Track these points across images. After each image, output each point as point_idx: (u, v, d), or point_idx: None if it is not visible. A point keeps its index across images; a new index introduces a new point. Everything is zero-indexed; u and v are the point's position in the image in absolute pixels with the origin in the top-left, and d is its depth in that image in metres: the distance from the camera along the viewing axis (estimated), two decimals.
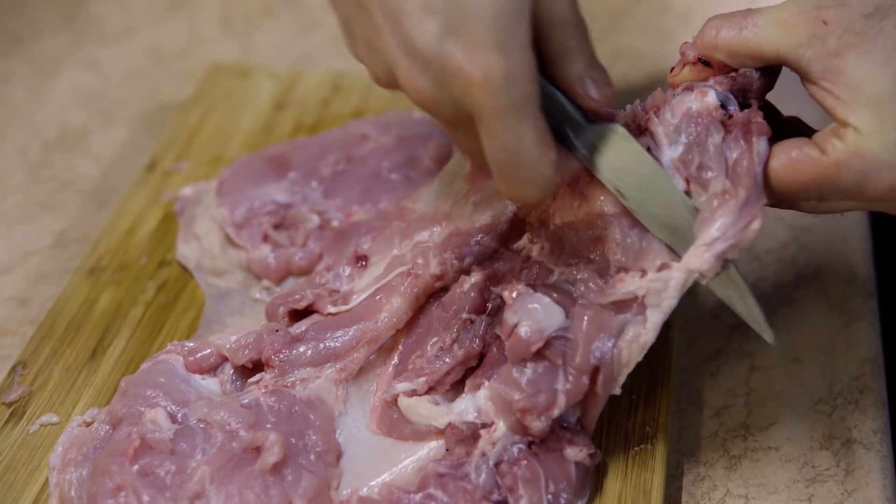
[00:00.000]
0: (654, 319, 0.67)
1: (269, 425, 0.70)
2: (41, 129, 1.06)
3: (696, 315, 0.84)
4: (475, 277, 0.73)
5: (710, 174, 0.66)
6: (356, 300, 0.76)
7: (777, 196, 0.66)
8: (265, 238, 0.84)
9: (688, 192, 0.67)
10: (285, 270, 0.83)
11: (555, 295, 0.68)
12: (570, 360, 0.67)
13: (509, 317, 0.67)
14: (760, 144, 0.65)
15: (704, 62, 0.68)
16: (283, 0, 1.22)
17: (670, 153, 0.67)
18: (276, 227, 0.85)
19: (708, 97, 0.67)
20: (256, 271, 0.84)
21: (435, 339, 0.73)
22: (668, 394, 0.75)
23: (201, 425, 0.70)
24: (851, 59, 0.62)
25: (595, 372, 0.68)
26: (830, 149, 0.63)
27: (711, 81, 0.68)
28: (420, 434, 0.71)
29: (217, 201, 0.87)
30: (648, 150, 0.68)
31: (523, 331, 0.66)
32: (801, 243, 0.89)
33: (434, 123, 0.93)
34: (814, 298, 0.84)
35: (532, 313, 0.67)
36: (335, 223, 0.84)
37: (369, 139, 0.91)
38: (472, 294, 0.73)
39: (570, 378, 0.67)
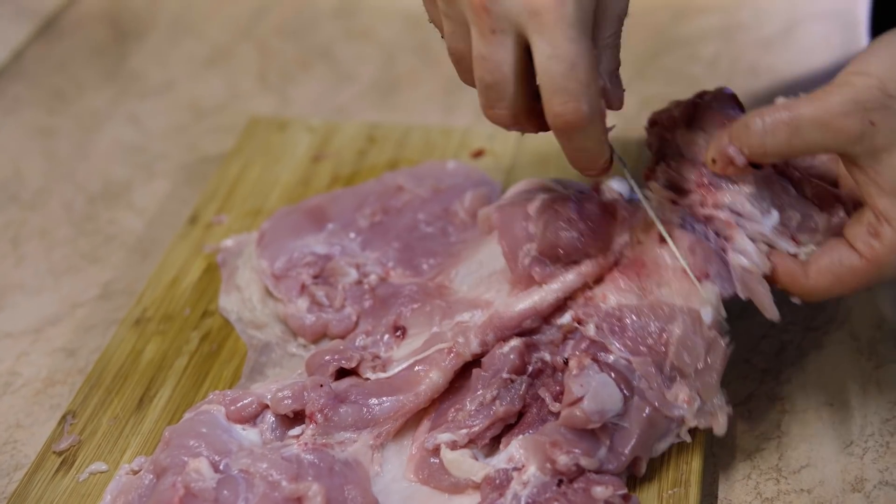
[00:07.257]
0: (687, 436, 0.74)
1: (309, 478, 0.71)
2: (85, 183, 1.09)
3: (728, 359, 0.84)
4: (514, 342, 0.75)
5: (812, 221, 0.72)
6: (394, 369, 0.78)
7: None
8: (302, 290, 0.86)
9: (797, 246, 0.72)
10: (321, 333, 0.84)
11: (613, 376, 0.71)
12: (617, 446, 0.70)
13: (575, 388, 0.70)
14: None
15: (755, 165, 0.71)
16: (318, 54, 1.25)
17: (769, 222, 0.72)
18: (315, 277, 0.87)
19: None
20: (293, 328, 0.85)
21: (475, 395, 0.74)
22: (700, 438, 0.76)
23: (243, 475, 0.71)
24: None
25: (636, 459, 0.72)
26: (869, 250, 0.67)
27: None
28: (458, 487, 0.72)
29: (258, 252, 0.89)
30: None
31: (587, 408, 0.69)
32: None
33: (468, 175, 0.96)
34: (844, 342, 0.85)
35: (598, 392, 0.70)
36: (373, 278, 0.86)
37: (404, 190, 0.93)
38: (512, 356, 0.74)
39: (612, 458, 0.70)
